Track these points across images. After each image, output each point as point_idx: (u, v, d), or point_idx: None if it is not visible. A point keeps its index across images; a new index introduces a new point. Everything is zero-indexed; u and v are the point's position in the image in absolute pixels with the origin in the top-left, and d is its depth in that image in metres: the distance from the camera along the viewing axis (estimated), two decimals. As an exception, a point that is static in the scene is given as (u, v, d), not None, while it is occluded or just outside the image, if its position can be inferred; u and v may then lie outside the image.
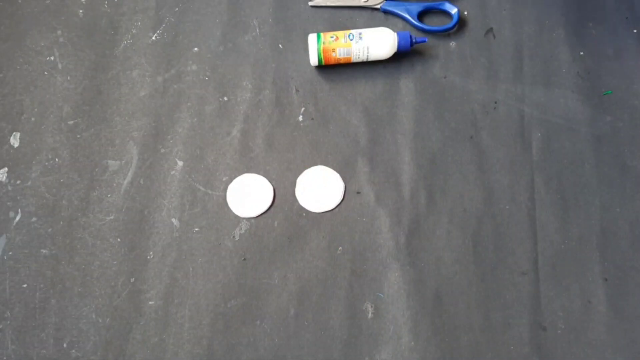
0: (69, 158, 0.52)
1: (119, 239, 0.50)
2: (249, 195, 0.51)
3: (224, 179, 0.51)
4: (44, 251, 0.49)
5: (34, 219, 0.50)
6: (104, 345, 0.46)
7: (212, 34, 0.57)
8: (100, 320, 0.47)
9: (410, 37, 0.54)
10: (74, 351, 0.46)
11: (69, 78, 0.55)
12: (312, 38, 0.54)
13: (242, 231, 0.50)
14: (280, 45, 0.57)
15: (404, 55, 0.55)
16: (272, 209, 0.51)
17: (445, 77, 0.55)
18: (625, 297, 0.47)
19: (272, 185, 0.51)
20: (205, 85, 0.55)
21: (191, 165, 0.52)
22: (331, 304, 0.47)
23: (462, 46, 0.56)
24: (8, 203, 0.51)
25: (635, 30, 0.56)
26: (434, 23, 0.58)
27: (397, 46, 0.54)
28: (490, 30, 0.57)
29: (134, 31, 0.57)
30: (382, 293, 0.48)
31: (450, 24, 0.56)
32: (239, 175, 0.52)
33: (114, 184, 0.51)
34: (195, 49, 0.57)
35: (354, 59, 0.54)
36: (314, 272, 0.49)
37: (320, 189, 0.49)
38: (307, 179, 0.49)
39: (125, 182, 0.52)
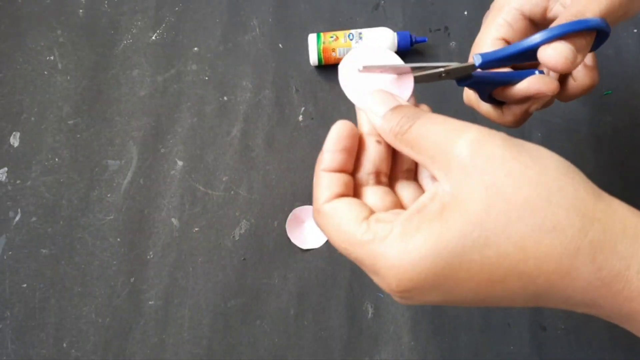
0: (69, 158, 0.52)
1: (118, 239, 0.50)
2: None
3: (224, 179, 0.51)
4: (43, 251, 0.49)
5: (34, 218, 0.50)
6: (103, 345, 0.46)
7: (212, 33, 0.57)
8: (100, 320, 0.47)
9: (411, 36, 0.54)
10: (73, 351, 0.46)
11: (68, 78, 0.55)
12: (312, 38, 0.54)
13: (242, 231, 0.50)
14: (280, 45, 0.57)
15: (404, 55, 0.55)
16: (272, 208, 0.50)
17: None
18: (626, 297, 0.47)
19: (272, 185, 0.51)
20: (205, 85, 0.55)
21: (191, 165, 0.52)
22: (331, 304, 0.47)
23: (463, 46, 0.56)
24: (8, 203, 0.51)
25: (635, 30, 0.56)
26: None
27: (397, 46, 0.54)
28: (491, 30, 0.57)
29: (134, 31, 0.57)
30: (382, 293, 0.47)
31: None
32: (241, 176, 0.51)
33: (114, 184, 0.51)
34: (195, 48, 0.57)
35: (354, 58, 0.54)
36: (314, 272, 0.48)
37: None
38: None
39: (125, 182, 0.52)
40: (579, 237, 0.22)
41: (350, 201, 0.27)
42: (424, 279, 0.23)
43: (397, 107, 0.28)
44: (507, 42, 0.35)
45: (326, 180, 0.28)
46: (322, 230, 0.28)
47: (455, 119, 0.26)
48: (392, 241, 0.23)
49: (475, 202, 0.23)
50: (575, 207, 0.23)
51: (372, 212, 0.26)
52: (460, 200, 0.23)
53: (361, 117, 0.30)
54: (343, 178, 0.28)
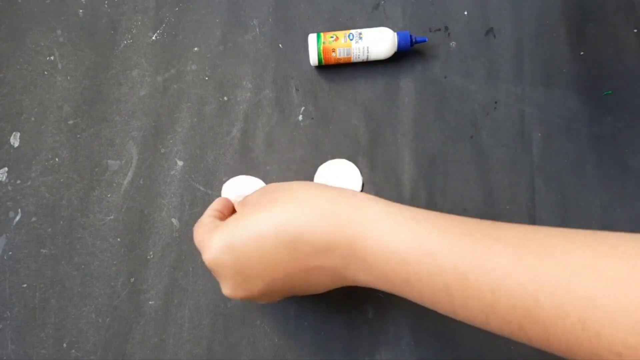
0: (69, 158, 0.52)
1: (118, 239, 0.50)
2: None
3: (223, 179, 0.51)
4: (43, 251, 0.49)
5: (34, 218, 0.50)
6: (103, 345, 0.46)
7: (212, 33, 0.57)
8: (100, 320, 0.47)
9: (411, 36, 0.54)
10: (73, 351, 0.46)
11: (68, 78, 0.55)
12: (312, 38, 0.54)
13: (242, 231, 0.50)
14: (280, 45, 0.57)
15: (404, 55, 0.55)
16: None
17: (445, 77, 0.55)
18: (626, 297, 0.47)
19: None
20: (205, 85, 0.55)
21: (191, 165, 0.52)
22: (331, 304, 0.47)
23: (463, 46, 0.56)
24: (8, 203, 0.51)
25: (635, 30, 0.56)
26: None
27: (397, 46, 0.54)
28: (491, 30, 0.57)
29: (134, 31, 0.57)
30: (382, 293, 0.47)
31: None
32: (235, 176, 0.52)
33: (114, 184, 0.51)
34: (195, 48, 0.57)
35: (354, 58, 0.54)
36: (314, 272, 0.48)
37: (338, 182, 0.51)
38: (328, 172, 0.51)
39: (125, 182, 0.52)
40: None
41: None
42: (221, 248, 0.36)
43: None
44: None
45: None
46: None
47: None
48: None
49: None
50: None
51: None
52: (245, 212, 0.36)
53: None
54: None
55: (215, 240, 0.35)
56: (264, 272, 0.35)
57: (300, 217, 0.33)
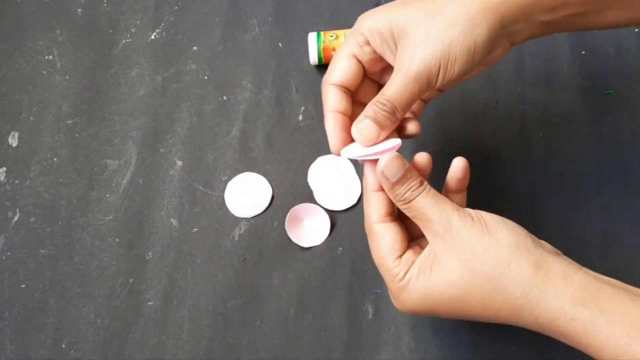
0: (68, 157, 0.52)
1: (117, 239, 0.49)
2: (247, 194, 0.50)
3: (223, 179, 0.51)
4: (42, 251, 0.49)
5: (33, 218, 0.50)
6: (102, 345, 0.46)
7: (211, 33, 0.57)
8: (99, 321, 0.47)
9: (411, 36, 0.54)
10: (72, 351, 0.46)
11: (67, 77, 0.55)
12: (312, 37, 0.54)
13: (242, 231, 0.50)
14: (280, 45, 0.56)
15: (404, 54, 0.55)
16: (271, 208, 0.50)
17: (445, 77, 0.55)
18: (626, 297, 0.47)
19: (272, 185, 0.51)
20: (205, 85, 0.55)
21: (190, 165, 0.52)
22: (331, 304, 0.47)
23: (463, 46, 0.56)
24: (6, 203, 0.51)
25: (636, 30, 0.56)
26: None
27: (397, 46, 0.54)
28: (491, 29, 0.57)
29: (133, 30, 0.57)
30: (379, 289, 0.47)
31: None
32: (238, 174, 0.51)
33: (113, 184, 0.51)
34: (195, 48, 0.56)
35: (354, 58, 0.54)
36: (314, 272, 0.48)
37: (333, 183, 0.51)
38: (320, 173, 0.51)
39: (124, 181, 0.51)
40: (522, 298, 0.32)
41: (396, 231, 0.37)
42: (418, 311, 0.37)
43: (403, 178, 0.36)
44: (359, 60, 0.38)
45: (375, 200, 0.38)
46: (370, 244, 0.38)
47: (447, 201, 0.36)
48: (410, 285, 0.35)
49: (452, 270, 0.34)
50: (518, 279, 0.33)
51: (405, 247, 0.37)
52: (442, 264, 0.34)
53: (367, 176, 0.38)
54: (386, 198, 0.37)
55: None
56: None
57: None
